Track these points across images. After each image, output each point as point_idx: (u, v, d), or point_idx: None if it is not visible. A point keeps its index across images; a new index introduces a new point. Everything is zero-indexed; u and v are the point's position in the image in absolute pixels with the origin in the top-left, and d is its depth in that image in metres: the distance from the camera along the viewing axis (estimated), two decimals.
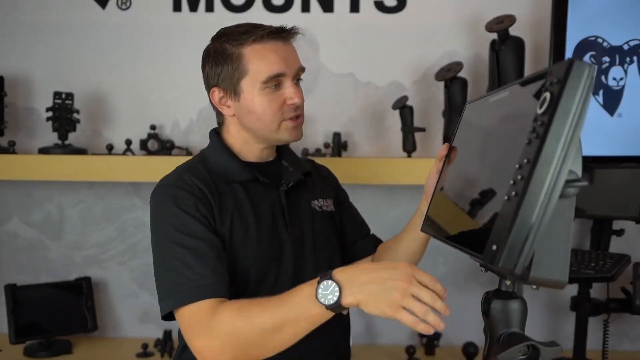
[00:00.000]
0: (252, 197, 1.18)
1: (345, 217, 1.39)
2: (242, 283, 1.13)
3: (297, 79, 1.18)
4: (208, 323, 0.98)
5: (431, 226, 0.97)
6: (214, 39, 1.19)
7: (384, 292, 0.86)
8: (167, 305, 1.05)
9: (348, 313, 1.33)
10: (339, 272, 0.90)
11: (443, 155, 1.07)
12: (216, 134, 1.26)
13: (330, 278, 0.89)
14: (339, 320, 1.26)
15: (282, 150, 1.29)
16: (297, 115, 1.17)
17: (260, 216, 1.17)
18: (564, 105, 0.59)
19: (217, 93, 1.19)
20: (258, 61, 1.13)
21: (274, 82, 1.13)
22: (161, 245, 1.09)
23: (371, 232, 1.44)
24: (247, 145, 1.22)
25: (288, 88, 1.15)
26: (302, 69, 1.19)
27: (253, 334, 0.95)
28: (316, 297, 0.89)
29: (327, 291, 0.88)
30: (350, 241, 1.38)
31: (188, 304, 1.02)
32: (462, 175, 0.91)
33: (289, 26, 1.16)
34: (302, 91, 1.19)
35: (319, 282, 0.89)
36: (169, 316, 1.07)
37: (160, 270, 1.08)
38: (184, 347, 1.20)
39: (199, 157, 1.24)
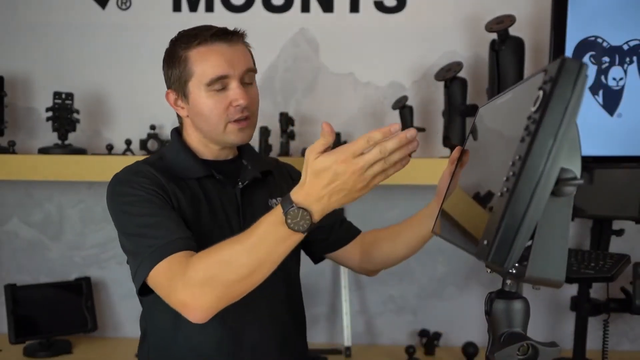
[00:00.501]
0: (207, 194, 1.19)
1: None
2: None
3: (247, 81, 1.18)
4: (184, 273, 0.98)
5: (442, 228, 0.97)
6: (171, 41, 1.21)
7: (345, 189, 0.88)
8: (141, 273, 1.04)
9: (303, 311, 1.33)
10: (297, 194, 0.91)
11: (456, 158, 1.07)
12: (177, 133, 1.28)
13: (293, 204, 0.90)
14: (292, 317, 1.27)
15: (243, 149, 1.29)
16: (245, 117, 1.17)
17: (213, 213, 1.18)
18: (555, 103, 0.60)
19: (171, 95, 1.21)
20: (202, 63, 1.14)
21: (218, 84, 1.14)
22: (124, 224, 1.12)
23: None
24: (203, 145, 1.23)
25: (233, 90, 1.15)
26: (251, 70, 1.19)
27: (231, 271, 0.95)
28: (288, 227, 0.90)
29: (298, 218, 0.90)
30: (323, 235, 1.36)
31: (159, 261, 1.02)
32: (471, 177, 0.91)
33: (233, 28, 1.17)
34: (254, 93, 1.20)
35: (285, 213, 0.90)
36: (145, 292, 1.06)
37: (129, 247, 1.10)
38: (145, 332, 1.23)
39: (157, 155, 1.26)
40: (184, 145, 1.24)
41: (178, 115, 1.26)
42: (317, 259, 1.42)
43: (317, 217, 0.91)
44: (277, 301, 1.23)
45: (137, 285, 1.07)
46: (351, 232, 1.39)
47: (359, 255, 1.37)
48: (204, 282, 0.96)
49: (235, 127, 1.17)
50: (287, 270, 1.25)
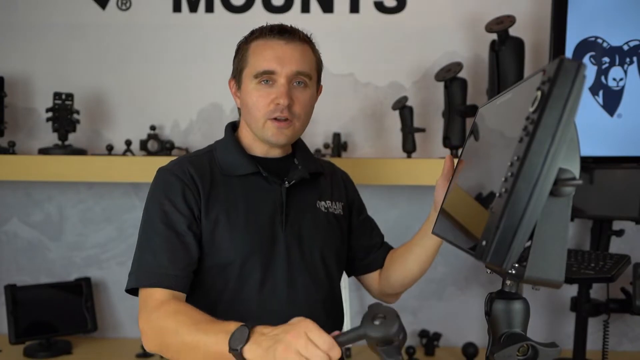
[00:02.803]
0: (250, 192, 1.19)
1: (359, 229, 1.37)
2: (224, 274, 1.16)
3: (298, 82, 1.17)
4: (151, 311, 1.06)
5: (441, 229, 0.97)
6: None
7: (273, 345, 0.88)
8: (129, 282, 1.13)
9: (342, 315, 1.32)
10: (262, 328, 0.93)
11: (449, 168, 1.10)
12: (231, 127, 1.30)
13: (249, 328, 0.93)
14: (332, 320, 1.27)
15: (297, 148, 1.30)
16: (284, 118, 1.16)
17: (254, 211, 1.18)
18: (553, 103, 0.60)
19: (232, 84, 1.25)
20: (256, 55, 1.17)
21: (265, 77, 1.16)
22: (143, 224, 1.17)
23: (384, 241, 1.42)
24: (254, 141, 1.24)
25: (278, 87, 1.16)
26: (302, 73, 1.17)
27: (174, 340, 1.02)
28: (230, 336, 0.93)
29: (239, 337, 0.93)
30: (361, 255, 1.37)
31: (142, 286, 1.10)
32: (472, 177, 0.92)
33: (296, 28, 1.20)
34: (304, 97, 1.18)
35: (241, 326, 0.94)
36: (132, 291, 1.14)
37: (137, 247, 1.16)
38: None
39: (209, 147, 1.28)
40: (234, 140, 1.25)
41: (238, 108, 1.28)
42: (350, 274, 1.43)
43: (246, 354, 0.91)
44: (318, 305, 1.23)
45: (126, 286, 1.15)
46: (382, 258, 1.38)
47: (379, 280, 1.37)
48: (156, 330, 1.05)
49: (273, 125, 1.17)
50: (330, 275, 1.26)
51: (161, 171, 1.20)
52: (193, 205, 1.15)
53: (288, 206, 1.20)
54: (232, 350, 0.93)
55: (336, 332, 0.87)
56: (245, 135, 1.25)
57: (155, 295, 1.09)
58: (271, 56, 1.15)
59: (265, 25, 1.21)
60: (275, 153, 1.26)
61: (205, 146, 1.31)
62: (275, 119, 1.16)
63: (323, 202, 1.27)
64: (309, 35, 1.22)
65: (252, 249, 1.16)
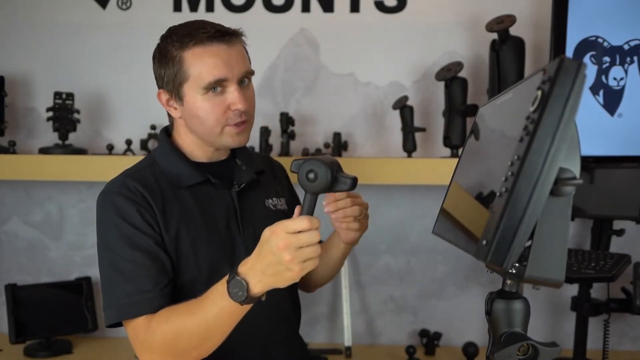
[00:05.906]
0: (203, 201, 1.16)
1: None
2: (191, 289, 1.12)
3: (245, 82, 1.15)
4: (145, 337, 1.04)
5: (441, 228, 0.97)
6: (161, 38, 1.16)
7: (278, 265, 0.89)
8: (108, 317, 1.09)
9: (300, 306, 1.32)
10: (242, 266, 0.94)
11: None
12: (166, 134, 1.23)
13: (236, 274, 0.93)
14: (294, 312, 1.28)
15: (237, 148, 1.24)
16: (242, 122, 1.13)
17: (211, 220, 1.15)
18: (553, 103, 0.60)
19: (163, 95, 1.17)
20: (199, 66, 1.09)
21: (215, 86, 1.10)
22: (104, 255, 1.11)
23: None
24: (196, 147, 1.19)
25: (232, 93, 1.11)
26: (250, 72, 1.15)
27: (184, 340, 1.00)
28: (229, 295, 0.93)
29: (236, 288, 0.93)
30: None
31: (127, 319, 1.07)
32: (472, 177, 0.92)
33: (232, 28, 1.14)
34: (251, 94, 1.16)
35: (228, 281, 0.93)
36: (114, 324, 1.09)
37: (103, 280, 1.11)
38: None
39: (148, 159, 1.21)
40: (174, 149, 1.19)
41: (169, 114, 1.21)
42: None
43: (256, 290, 0.92)
44: (285, 303, 1.23)
45: (104, 322, 1.11)
46: None
47: None
48: (161, 348, 1.03)
49: (232, 131, 1.13)
50: None
51: (106, 194, 1.13)
52: (152, 223, 1.10)
53: (241, 210, 1.18)
54: (243, 302, 0.93)
55: (298, 209, 0.93)
56: (186, 142, 1.19)
57: (140, 323, 1.06)
58: (219, 64, 1.09)
59: (184, 25, 1.13)
60: (220, 156, 1.22)
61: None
62: (234, 124, 1.12)
63: (270, 200, 1.26)
64: (239, 32, 1.15)
65: (216, 260, 1.14)
